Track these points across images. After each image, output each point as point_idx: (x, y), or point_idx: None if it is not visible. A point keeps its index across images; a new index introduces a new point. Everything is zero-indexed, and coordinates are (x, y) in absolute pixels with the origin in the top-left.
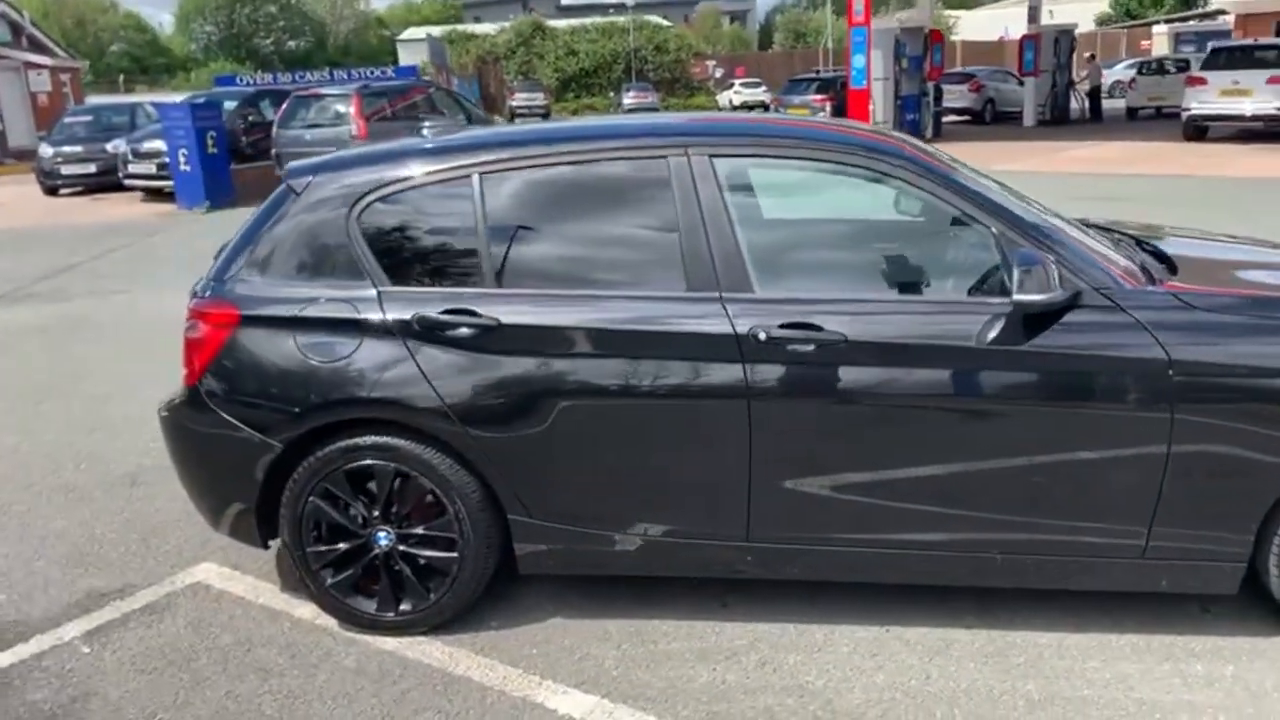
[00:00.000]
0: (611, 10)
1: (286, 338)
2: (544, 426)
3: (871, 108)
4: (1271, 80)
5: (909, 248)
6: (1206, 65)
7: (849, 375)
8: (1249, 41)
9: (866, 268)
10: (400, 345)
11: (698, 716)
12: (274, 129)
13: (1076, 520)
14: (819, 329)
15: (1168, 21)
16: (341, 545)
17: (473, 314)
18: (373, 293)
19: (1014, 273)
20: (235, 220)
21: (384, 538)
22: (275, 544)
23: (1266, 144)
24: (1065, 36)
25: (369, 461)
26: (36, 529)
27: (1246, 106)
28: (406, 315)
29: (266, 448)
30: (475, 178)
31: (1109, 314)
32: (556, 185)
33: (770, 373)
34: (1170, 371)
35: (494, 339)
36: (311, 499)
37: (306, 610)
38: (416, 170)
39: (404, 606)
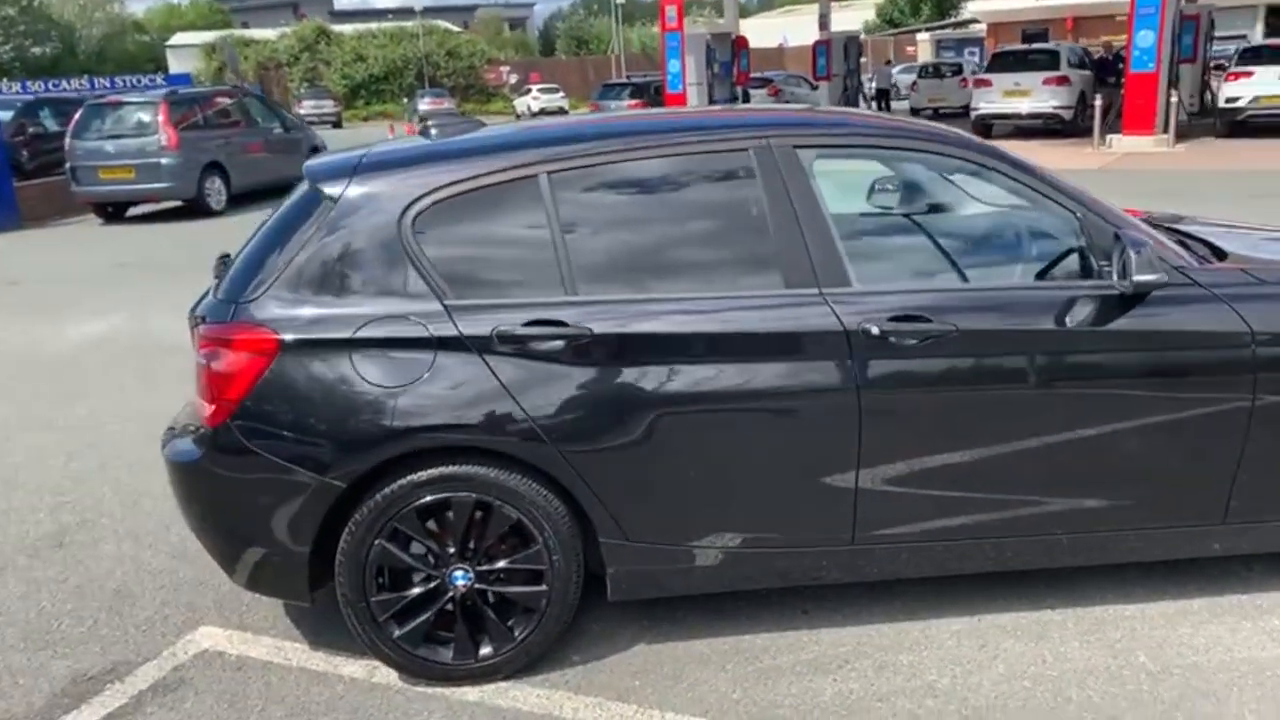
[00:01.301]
0: (390, 16)
1: (342, 362)
2: (642, 440)
3: None
4: (1046, 81)
5: (989, 236)
6: (991, 68)
7: (961, 365)
8: (1026, 47)
9: (952, 257)
10: (479, 363)
11: None
12: (68, 141)
13: (1172, 491)
14: (929, 320)
15: (929, 29)
16: (414, 590)
17: (561, 324)
18: (438, 307)
19: (1128, 256)
20: (29, 241)
21: (461, 577)
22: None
23: (1045, 139)
24: (853, 43)
25: (446, 494)
26: None
27: (1025, 105)
28: (484, 330)
29: (326, 489)
30: (543, 177)
31: (1191, 291)
32: (632, 183)
33: (881, 367)
34: (1252, 342)
35: (585, 350)
36: (378, 542)
37: (356, 668)
38: (476, 170)
39: (485, 651)
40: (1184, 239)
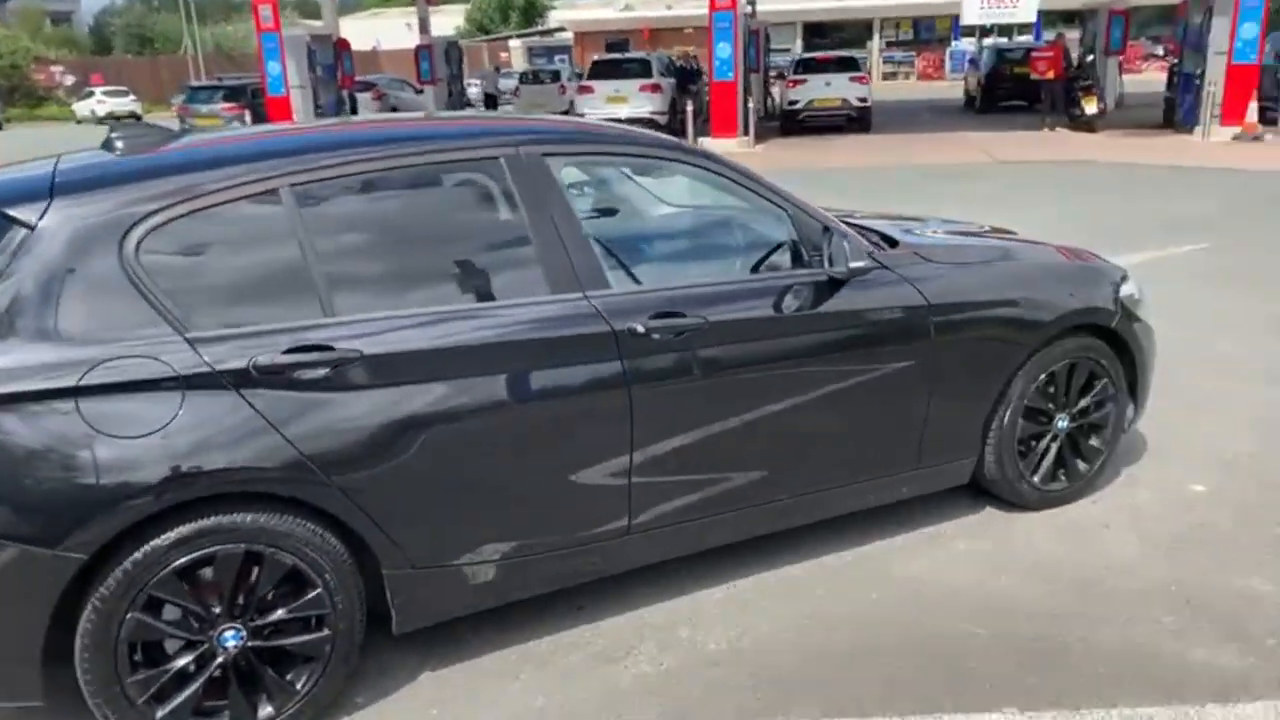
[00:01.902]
0: None
1: (68, 414)
2: (423, 460)
3: (295, 115)
4: (642, 88)
5: (716, 234)
6: (592, 76)
7: (713, 354)
8: (620, 56)
9: (688, 254)
10: (236, 398)
11: (682, 704)
12: None
13: (880, 446)
14: (683, 315)
15: (520, 36)
16: (177, 662)
17: (327, 348)
18: (179, 340)
19: (841, 246)
20: None
21: (232, 637)
22: None
23: None
24: (454, 48)
25: (211, 549)
26: None
27: (624, 110)
28: (239, 362)
29: (61, 565)
30: (285, 190)
31: (880, 274)
32: (384, 193)
33: (647, 363)
34: (929, 311)
35: (355, 373)
36: (131, 615)
37: None
38: (207, 185)
39: (265, 712)
40: (861, 230)
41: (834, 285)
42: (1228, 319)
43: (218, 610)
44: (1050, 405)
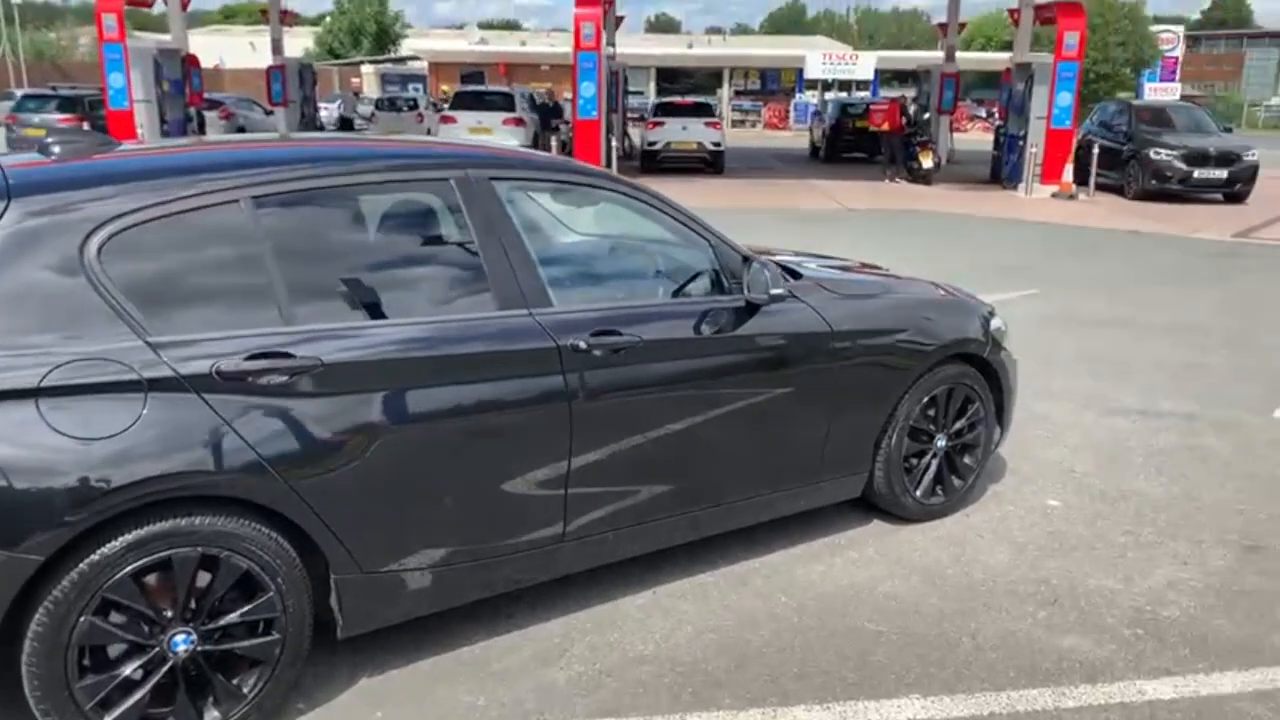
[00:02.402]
0: None
1: (28, 415)
2: (375, 466)
3: (139, 130)
4: (506, 121)
5: (638, 260)
6: (455, 106)
7: (645, 371)
8: (484, 89)
9: (616, 278)
10: (198, 403)
11: (618, 700)
12: None
13: (788, 461)
14: (620, 333)
15: (373, 63)
16: (127, 667)
17: (287, 355)
18: (139, 344)
19: (764, 275)
20: None
21: (183, 641)
22: None
23: None
24: (308, 70)
25: (167, 552)
26: None
27: (491, 142)
28: (203, 367)
29: (17, 566)
30: (245, 202)
31: (791, 302)
32: (340, 208)
33: (587, 377)
34: (831, 335)
35: (315, 380)
36: (83, 619)
37: None
38: (169, 194)
39: (211, 716)
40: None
41: (750, 310)
42: (1061, 356)
43: (169, 614)
44: (931, 426)
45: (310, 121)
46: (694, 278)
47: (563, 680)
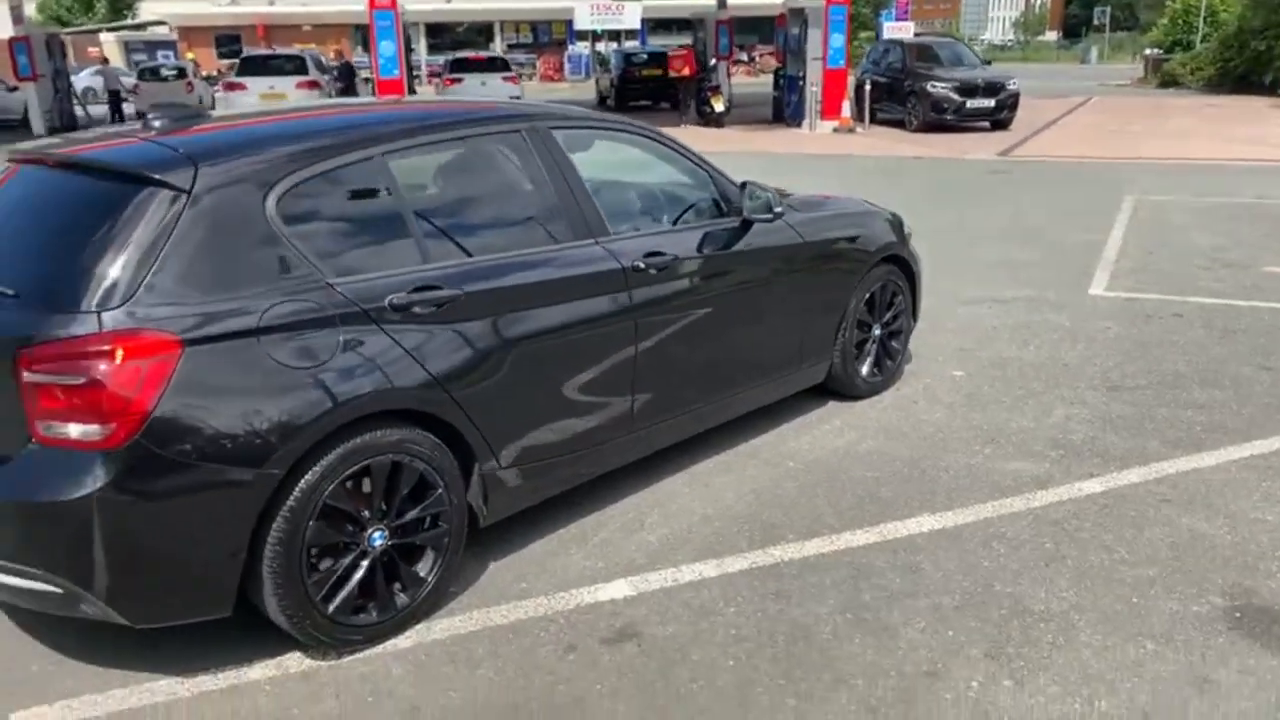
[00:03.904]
0: None
1: (254, 352)
2: (507, 375)
3: None
4: (300, 85)
5: (667, 192)
6: (242, 72)
7: (682, 283)
8: (270, 52)
9: (647, 207)
10: (377, 332)
11: (701, 547)
12: None
13: (778, 353)
14: (663, 254)
15: (111, 30)
16: (343, 562)
17: (437, 288)
18: (324, 285)
19: (767, 196)
20: None
21: (379, 537)
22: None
23: None
24: (55, 40)
25: (368, 461)
26: None
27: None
28: (380, 301)
29: (264, 481)
30: (384, 159)
31: (771, 219)
32: (449, 162)
33: (644, 293)
34: (803, 246)
35: (457, 307)
36: (312, 523)
37: (260, 671)
38: (327, 154)
39: (402, 600)
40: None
41: (745, 227)
42: None
43: (368, 514)
44: (870, 318)
45: (66, 95)
46: (702, 204)
47: (655, 540)
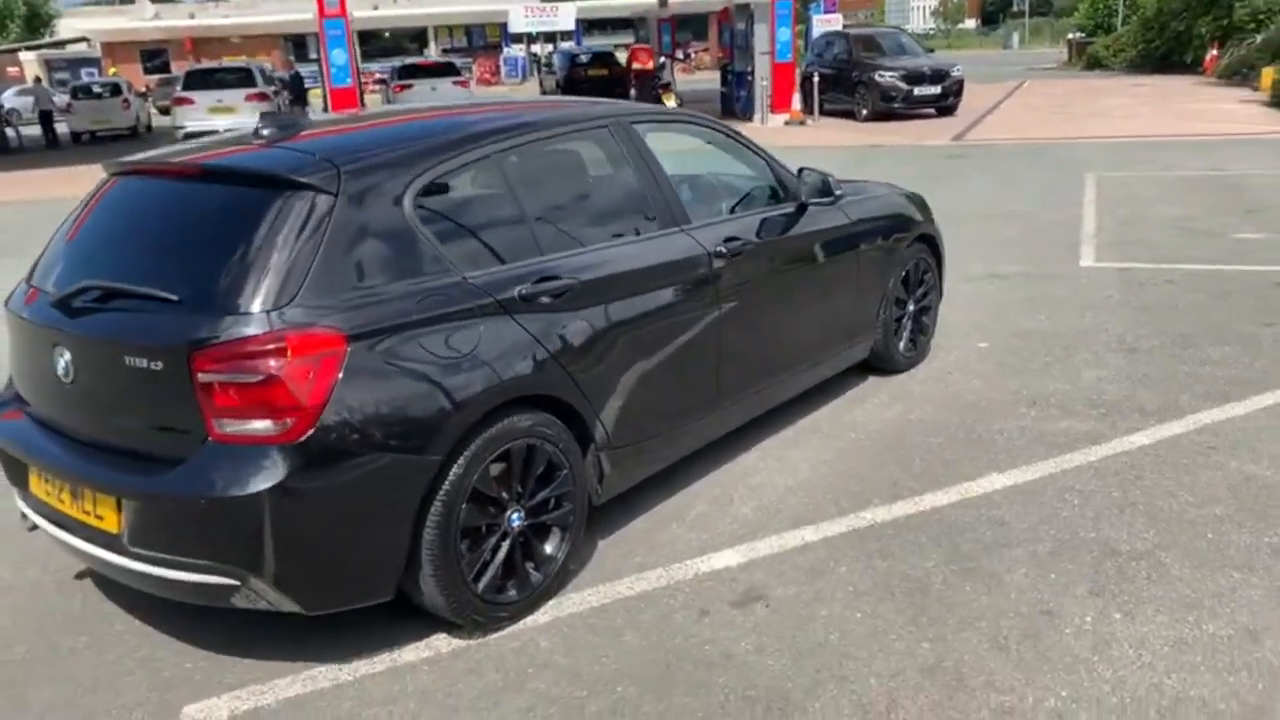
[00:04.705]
0: None
1: (411, 345)
2: (619, 358)
3: None
4: (249, 98)
5: (730, 179)
6: (188, 86)
7: (754, 266)
8: (217, 65)
9: (717, 195)
10: (510, 322)
11: (788, 517)
12: None
13: (834, 330)
14: (739, 239)
15: (31, 49)
16: (489, 543)
17: (556, 278)
18: (458, 279)
19: (827, 181)
20: None
21: (517, 519)
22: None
23: None
24: None
25: (508, 445)
26: None
27: (230, 122)
28: (510, 293)
29: (426, 467)
30: (497, 158)
31: (831, 203)
32: (549, 160)
33: (725, 276)
34: (850, 225)
35: (574, 296)
36: (464, 506)
37: (411, 653)
38: (449, 153)
39: (536, 578)
40: None
41: (801, 211)
42: None
43: (507, 497)
44: (906, 294)
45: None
46: (762, 190)
47: (749, 511)
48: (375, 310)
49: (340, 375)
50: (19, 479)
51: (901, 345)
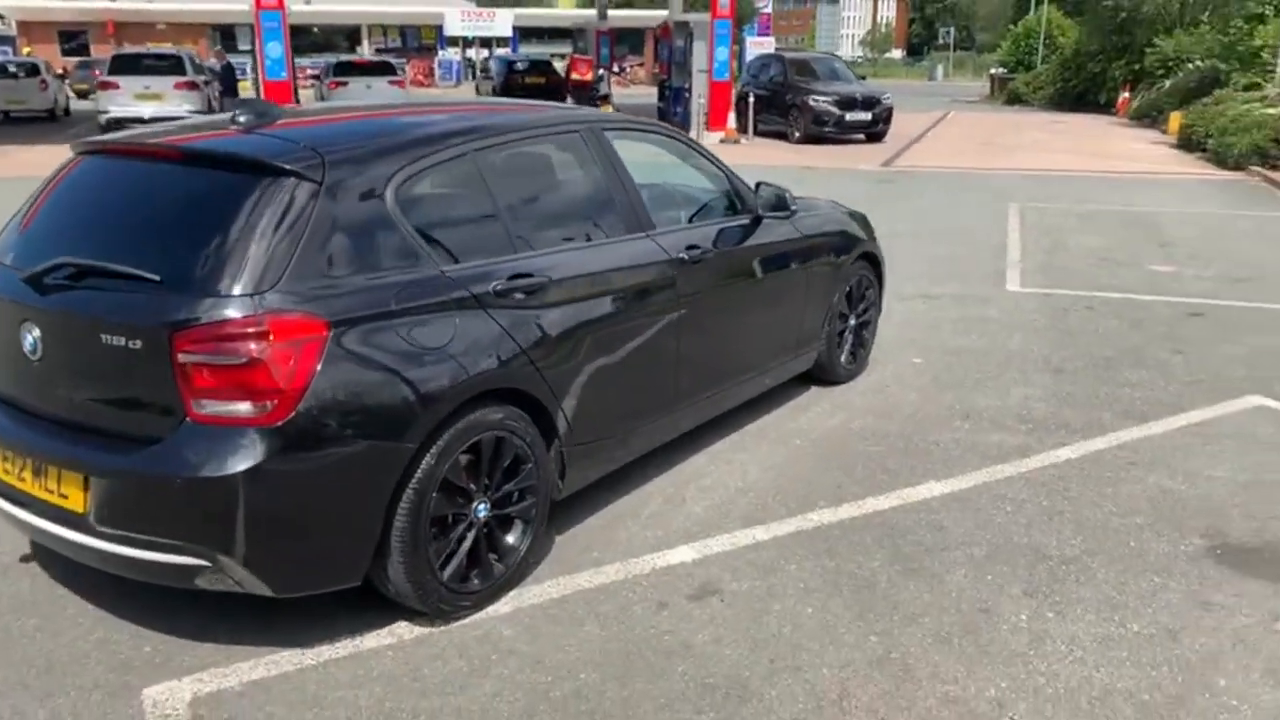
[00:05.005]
0: None
1: (390, 334)
2: (585, 355)
3: None
4: (178, 85)
5: (695, 191)
6: (115, 71)
7: (713, 274)
8: (145, 50)
9: (676, 203)
10: (484, 316)
11: (738, 515)
12: None
13: (783, 338)
14: (699, 247)
15: None
16: (455, 532)
17: (530, 275)
18: (438, 272)
19: (782, 195)
20: None
21: (483, 509)
22: None
23: None
24: None
25: (478, 437)
26: None
27: (156, 109)
28: (485, 288)
29: (400, 455)
30: (473, 156)
31: (786, 217)
32: (523, 160)
33: (685, 280)
34: (801, 240)
35: (545, 292)
36: (435, 495)
37: (374, 639)
38: (430, 149)
39: (499, 568)
40: None
41: (756, 223)
42: None
43: (474, 488)
44: (846, 309)
45: None
46: (720, 201)
47: (700, 511)
48: (355, 298)
49: (321, 361)
50: None
51: (843, 358)
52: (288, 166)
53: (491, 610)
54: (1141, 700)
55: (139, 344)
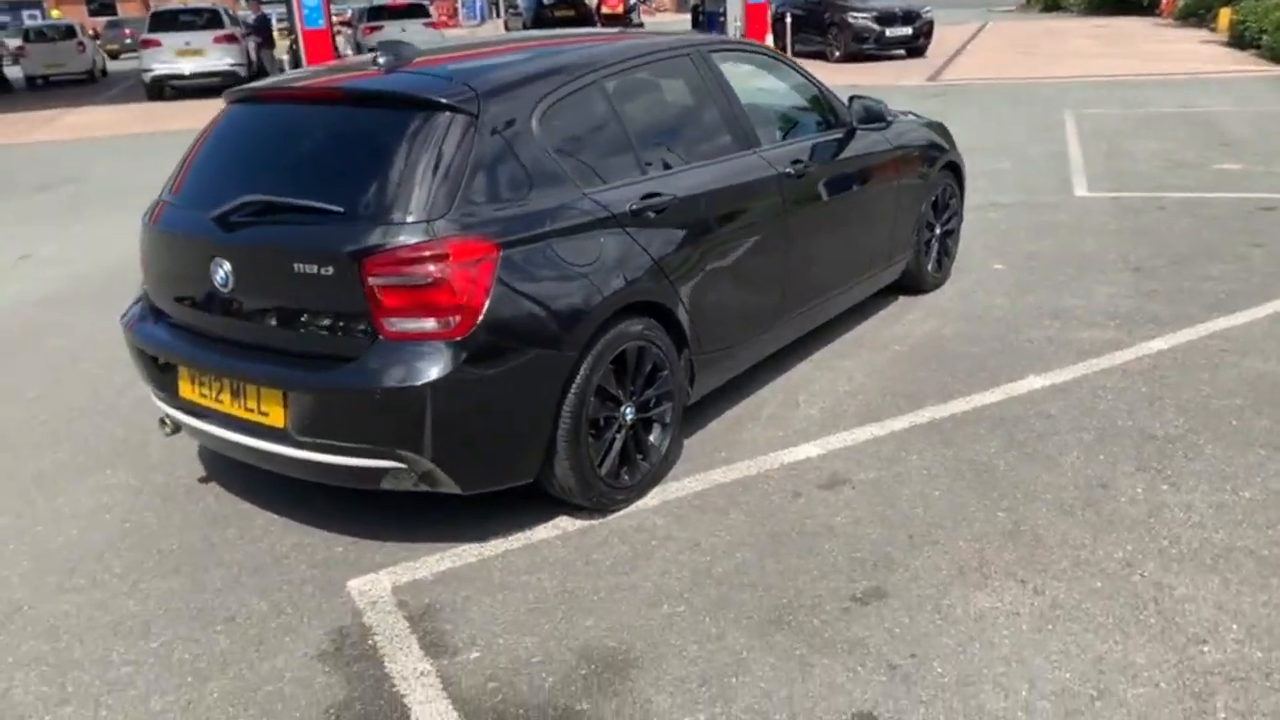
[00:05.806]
0: None
1: (549, 253)
2: (711, 269)
3: None
4: (217, 40)
5: (793, 107)
6: (153, 28)
7: (816, 186)
8: (182, 7)
9: (780, 119)
10: (623, 235)
11: (855, 409)
12: None
13: (881, 244)
14: (802, 161)
15: None
16: (608, 434)
17: (659, 194)
18: (579, 195)
19: (880, 107)
20: None
21: (629, 412)
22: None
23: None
24: None
25: (624, 346)
26: None
27: (195, 65)
28: (623, 208)
29: (564, 363)
30: (602, 83)
31: (881, 129)
32: (644, 85)
33: (792, 194)
34: (893, 150)
35: (673, 211)
36: (592, 399)
37: (544, 531)
38: (568, 80)
39: (645, 465)
40: None
41: (851, 135)
42: None
43: (621, 393)
44: (934, 218)
45: None
46: (817, 115)
47: (816, 412)
48: (516, 221)
49: (494, 279)
50: (165, 383)
51: (930, 266)
52: (445, 100)
53: (640, 504)
54: (1262, 555)
55: (330, 270)
